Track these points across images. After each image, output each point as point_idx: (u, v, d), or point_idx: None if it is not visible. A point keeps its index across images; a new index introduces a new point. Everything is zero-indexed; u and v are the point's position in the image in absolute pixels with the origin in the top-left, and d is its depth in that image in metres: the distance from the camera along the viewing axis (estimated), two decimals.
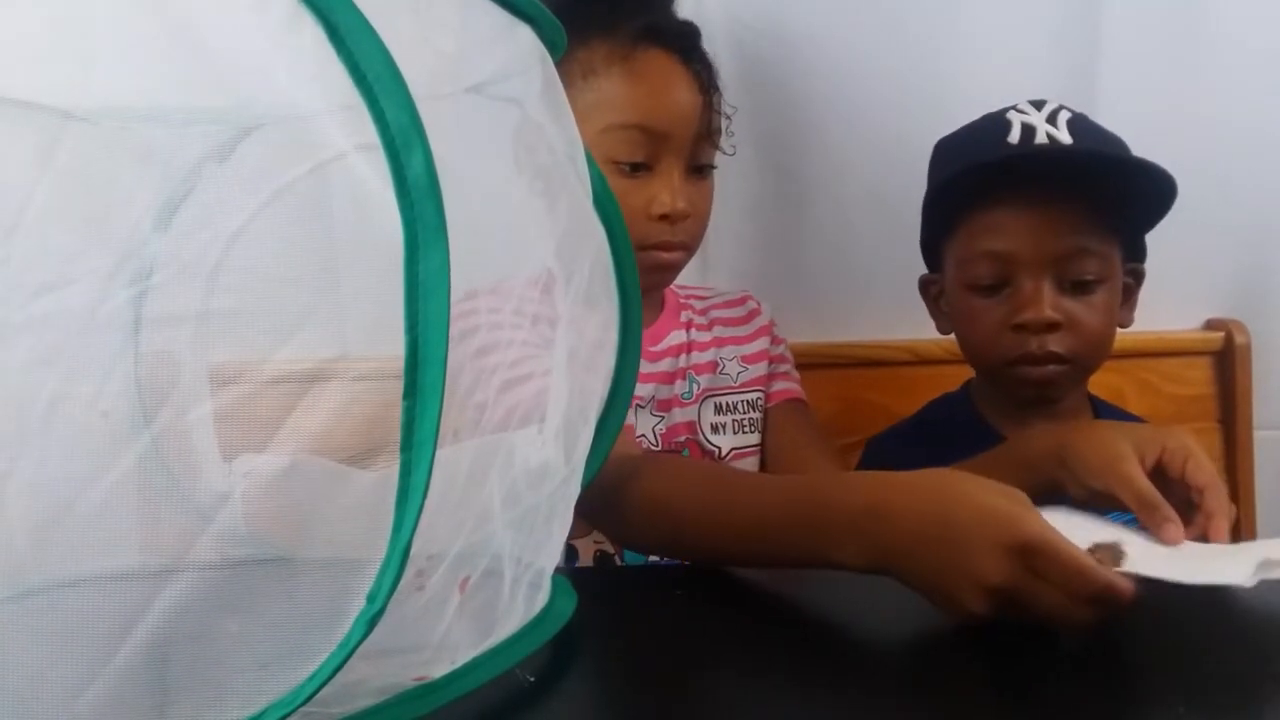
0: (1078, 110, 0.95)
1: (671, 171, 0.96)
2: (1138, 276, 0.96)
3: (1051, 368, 0.91)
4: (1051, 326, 0.89)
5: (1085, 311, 0.90)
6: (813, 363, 1.24)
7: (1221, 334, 1.26)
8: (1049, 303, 0.89)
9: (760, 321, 1.13)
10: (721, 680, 0.55)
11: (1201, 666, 0.56)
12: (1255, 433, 1.26)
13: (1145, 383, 1.26)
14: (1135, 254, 0.95)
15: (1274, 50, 1.21)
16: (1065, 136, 0.88)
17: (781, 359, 1.12)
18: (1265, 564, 0.59)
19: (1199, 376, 1.28)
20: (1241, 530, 1.23)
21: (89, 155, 0.50)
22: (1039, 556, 0.56)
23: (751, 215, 1.26)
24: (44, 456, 0.49)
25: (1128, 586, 0.55)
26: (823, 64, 1.22)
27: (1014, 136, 0.90)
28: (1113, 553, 0.64)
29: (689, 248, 1.01)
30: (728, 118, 1.03)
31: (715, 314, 1.12)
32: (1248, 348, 1.25)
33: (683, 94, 0.97)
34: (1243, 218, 1.25)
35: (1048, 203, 0.89)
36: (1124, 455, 0.71)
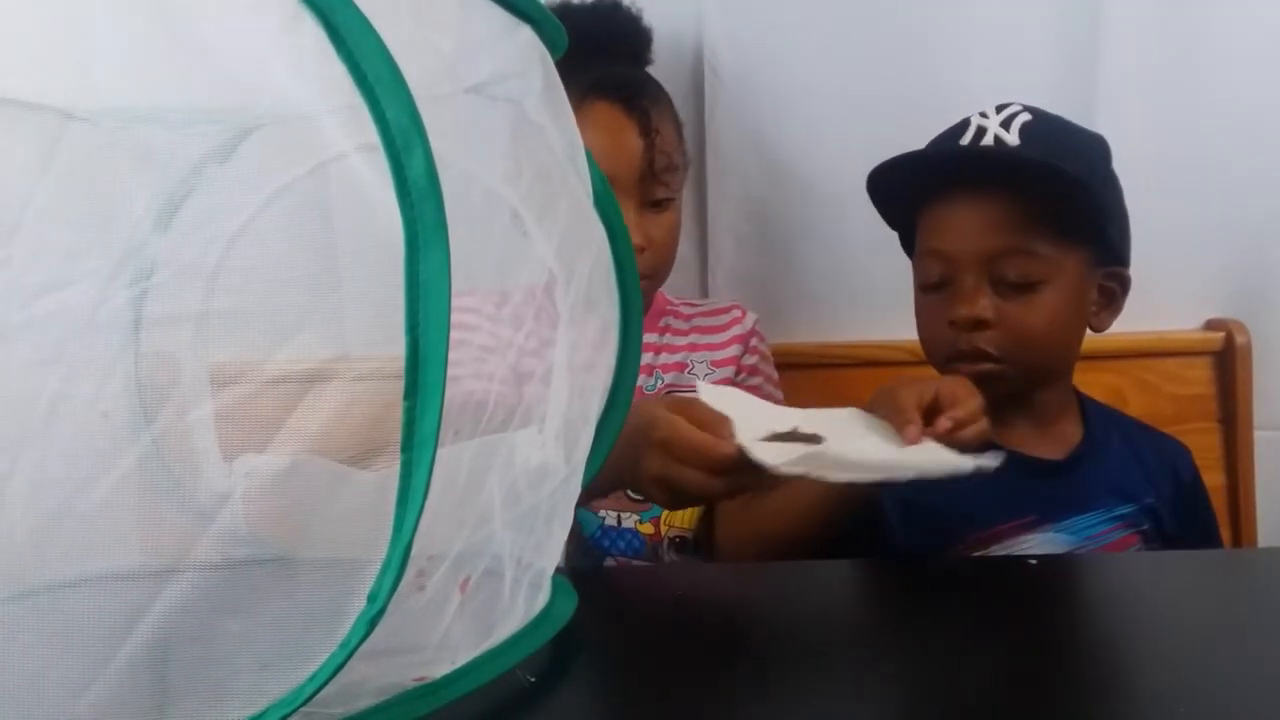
0: (1075, 111, 0.96)
1: (624, 211, 1.00)
2: (1122, 282, 0.95)
3: (984, 366, 0.91)
4: (980, 324, 0.90)
5: (1021, 312, 0.90)
6: (812, 363, 1.24)
7: (1221, 334, 1.26)
8: (979, 301, 0.90)
9: (737, 330, 1.16)
10: (722, 680, 0.55)
11: (1203, 665, 0.56)
12: (1255, 433, 1.26)
13: (1145, 383, 1.26)
14: (1112, 259, 0.93)
15: (1274, 50, 1.21)
16: (1013, 139, 0.89)
17: (753, 370, 1.15)
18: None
19: (1199, 376, 1.28)
20: (1242, 531, 1.24)
21: (89, 156, 0.50)
22: (673, 446, 0.72)
23: (751, 216, 1.26)
24: (44, 457, 0.49)
25: (730, 451, 0.70)
26: (823, 64, 1.22)
27: (966, 138, 0.91)
28: (797, 439, 0.75)
29: (651, 277, 1.07)
30: (665, 153, 1.06)
31: (697, 322, 1.16)
32: (1248, 348, 1.25)
33: (625, 140, 1.03)
34: (1243, 218, 1.25)
35: (986, 202, 0.89)
36: (899, 388, 0.82)
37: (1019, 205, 0.88)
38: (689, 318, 1.16)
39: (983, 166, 0.91)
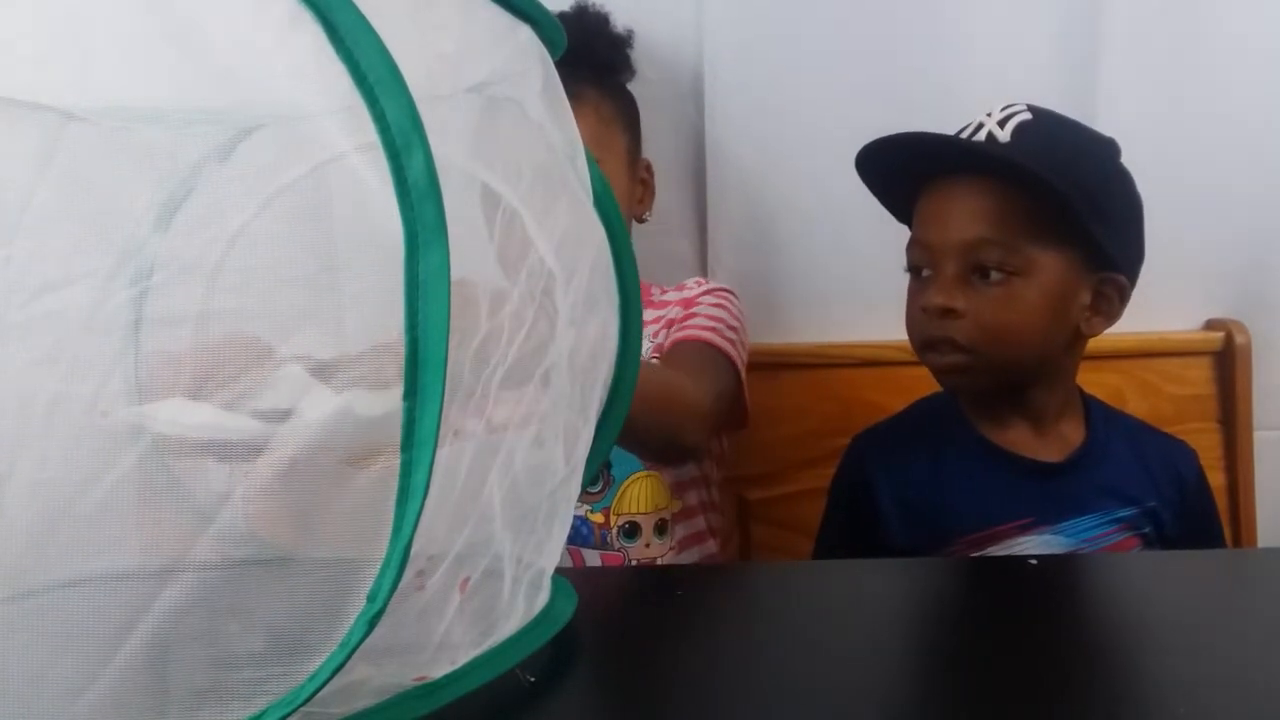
0: (1075, 112, 0.96)
1: None
2: (1120, 289, 0.93)
3: (952, 357, 0.91)
4: (949, 313, 0.90)
5: (993, 306, 0.90)
6: (813, 363, 1.24)
7: (1221, 334, 1.26)
8: (953, 290, 0.90)
9: (679, 295, 1.14)
10: (721, 680, 0.55)
11: (1203, 665, 0.56)
12: (1255, 433, 1.27)
13: (1145, 383, 1.26)
14: (1106, 264, 0.92)
15: (1274, 50, 1.21)
16: (1005, 136, 0.90)
17: (683, 321, 1.10)
18: None
19: (1199, 376, 1.28)
20: (1242, 531, 1.24)
21: (89, 155, 0.50)
22: None
23: (751, 216, 1.26)
24: (44, 457, 0.49)
25: None
26: (824, 64, 1.22)
27: (964, 135, 0.92)
28: None
29: None
30: None
31: (667, 304, 1.15)
32: (1248, 348, 1.25)
33: None
34: (1243, 218, 1.25)
35: (970, 195, 0.90)
36: None
37: (1001, 200, 0.89)
38: (660, 305, 1.15)
39: (960, 158, 0.92)
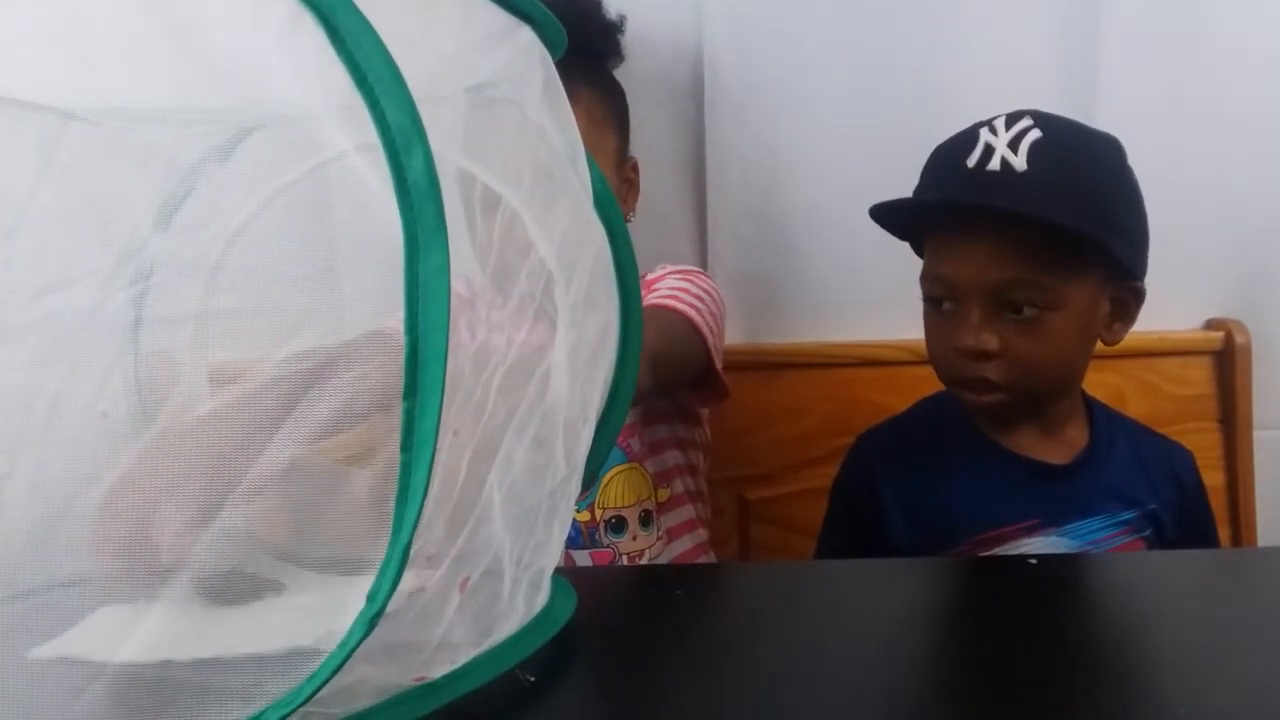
0: (1075, 112, 0.95)
1: None
2: (1136, 294, 0.92)
3: (989, 397, 0.90)
4: (984, 355, 0.88)
5: (1026, 341, 0.88)
6: (812, 363, 1.25)
7: (1221, 334, 1.26)
8: (982, 332, 0.88)
9: (642, 280, 1.11)
10: (721, 680, 0.55)
11: (1202, 665, 0.56)
12: (1255, 433, 1.27)
13: (1145, 383, 1.26)
14: (1124, 273, 0.91)
15: (1274, 50, 1.21)
16: (1021, 164, 0.85)
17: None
18: None
19: (1199, 376, 1.28)
20: (1242, 531, 1.24)
21: (90, 155, 0.50)
22: None
23: (751, 215, 1.26)
24: (44, 457, 0.49)
25: None
26: (824, 64, 1.22)
27: (973, 159, 0.87)
28: None
29: None
30: None
31: None
32: (1248, 348, 1.25)
33: None
34: (1243, 218, 1.25)
35: (991, 233, 0.87)
36: None
37: (1024, 236, 0.85)
38: None
39: (984, 208, 0.88)
